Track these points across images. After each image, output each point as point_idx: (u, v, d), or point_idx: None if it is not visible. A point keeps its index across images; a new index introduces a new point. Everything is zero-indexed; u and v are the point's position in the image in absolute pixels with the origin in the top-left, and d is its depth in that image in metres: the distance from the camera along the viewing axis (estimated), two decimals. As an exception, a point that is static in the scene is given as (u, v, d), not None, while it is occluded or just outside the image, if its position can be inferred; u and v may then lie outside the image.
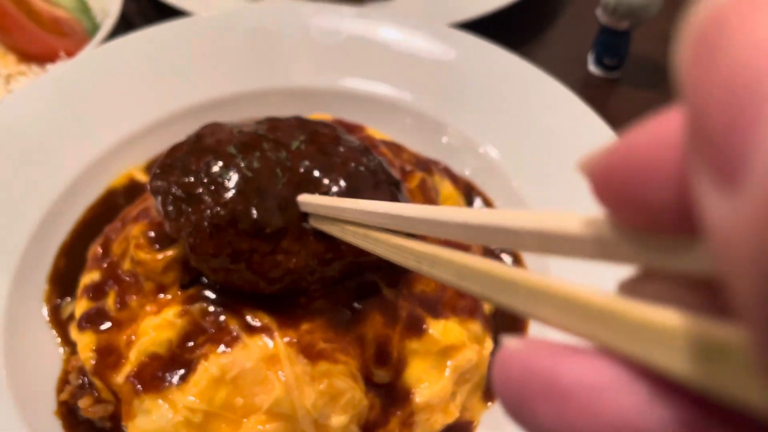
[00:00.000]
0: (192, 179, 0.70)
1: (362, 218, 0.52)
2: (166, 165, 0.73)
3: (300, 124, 0.77)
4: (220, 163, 0.70)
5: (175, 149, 0.75)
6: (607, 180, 0.20)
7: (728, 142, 0.14)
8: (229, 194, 0.68)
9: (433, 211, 0.39)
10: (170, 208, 0.69)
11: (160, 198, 0.71)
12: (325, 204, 0.64)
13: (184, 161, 0.72)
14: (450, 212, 0.36)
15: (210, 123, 0.78)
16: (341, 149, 0.74)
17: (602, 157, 0.20)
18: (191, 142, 0.74)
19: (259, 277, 0.69)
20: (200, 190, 0.69)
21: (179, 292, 0.75)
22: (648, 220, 0.19)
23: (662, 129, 0.19)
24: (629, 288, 0.22)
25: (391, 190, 0.74)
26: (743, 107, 0.14)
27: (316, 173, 0.71)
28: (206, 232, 0.67)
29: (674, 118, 0.19)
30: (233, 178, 0.69)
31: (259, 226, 0.67)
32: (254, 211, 0.67)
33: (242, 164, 0.70)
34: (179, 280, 0.76)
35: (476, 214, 0.32)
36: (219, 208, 0.67)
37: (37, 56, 1.21)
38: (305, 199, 0.68)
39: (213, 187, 0.69)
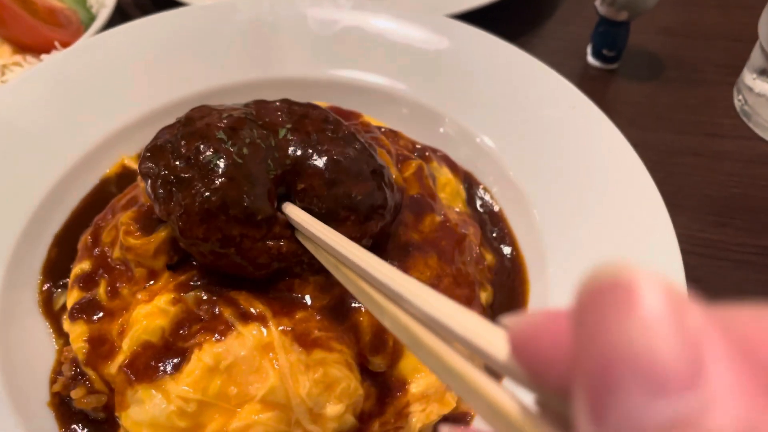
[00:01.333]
0: (182, 163, 0.70)
1: (332, 251, 0.54)
2: (156, 147, 0.72)
3: (288, 108, 0.77)
4: (211, 148, 0.70)
5: (163, 132, 0.74)
6: (518, 349, 0.26)
7: (596, 396, 0.21)
8: (220, 180, 0.68)
9: (389, 277, 0.42)
10: (160, 191, 0.69)
11: (149, 181, 0.71)
12: (304, 223, 0.65)
13: (174, 144, 0.71)
14: (404, 284, 0.39)
15: (199, 106, 0.77)
16: (328, 134, 0.74)
17: (516, 330, 0.27)
18: (181, 125, 0.74)
19: (247, 262, 0.69)
20: (190, 174, 0.69)
21: (171, 279, 0.74)
22: (543, 380, 0.26)
23: (556, 330, 0.25)
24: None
25: (375, 179, 0.73)
26: (606, 380, 0.21)
27: (300, 163, 0.71)
28: (197, 217, 0.67)
29: (564, 323, 0.25)
30: (223, 164, 0.69)
31: (250, 213, 0.67)
32: (246, 198, 0.67)
33: (232, 150, 0.70)
34: (167, 260, 0.75)
35: (423, 299, 0.36)
36: (210, 194, 0.67)
37: (32, 47, 1.21)
38: (290, 210, 0.69)
39: (203, 172, 0.68)
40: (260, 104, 0.77)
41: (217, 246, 0.68)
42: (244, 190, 0.67)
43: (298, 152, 0.72)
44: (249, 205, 0.67)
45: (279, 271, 0.72)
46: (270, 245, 0.69)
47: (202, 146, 0.70)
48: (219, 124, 0.72)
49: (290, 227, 0.70)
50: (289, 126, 0.73)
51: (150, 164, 0.71)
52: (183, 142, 0.71)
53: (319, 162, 0.71)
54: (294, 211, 0.69)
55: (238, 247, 0.68)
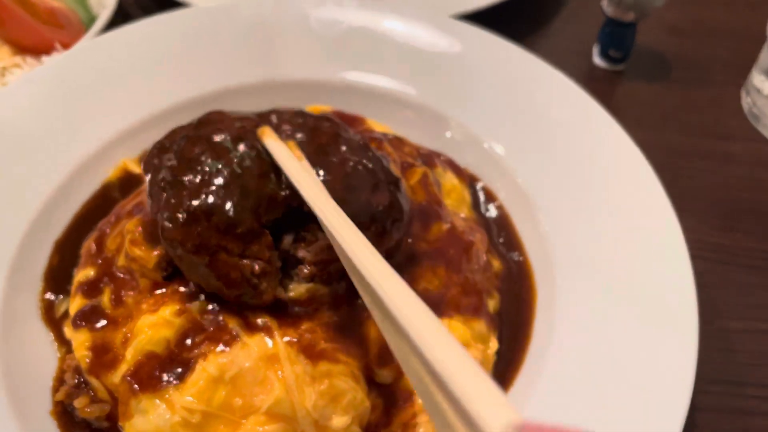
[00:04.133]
0: (182, 165, 0.70)
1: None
2: (163, 146, 0.73)
3: (301, 120, 0.77)
4: (213, 155, 0.70)
5: (174, 132, 0.75)
6: None
7: None
8: (212, 187, 0.67)
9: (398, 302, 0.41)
10: (156, 187, 0.70)
11: (149, 176, 0.72)
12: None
13: (180, 146, 0.72)
14: (413, 318, 0.38)
15: (214, 110, 0.77)
16: (342, 147, 0.73)
17: None
18: (192, 128, 0.74)
19: (217, 275, 0.67)
20: (187, 177, 0.69)
21: (176, 288, 0.74)
22: None
23: None
24: None
25: (390, 190, 0.73)
26: None
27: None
28: (179, 219, 0.67)
29: None
30: (221, 172, 0.68)
31: (231, 223, 0.66)
32: (231, 208, 0.66)
33: (235, 160, 0.69)
34: (161, 270, 0.74)
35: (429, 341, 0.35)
36: (196, 199, 0.67)
37: (32, 48, 1.19)
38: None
39: (199, 177, 0.68)
40: (275, 114, 0.78)
41: (191, 251, 0.66)
42: (233, 201, 0.67)
43: (311, 163, 0.71)
44: (232, 216, 0.66)
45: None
46: (244, 263, 0.67)
47: (205, 151, 0.70)
48: (229, 131, 0.71)
49: (271, 248, 0.68)
50: (299, 137, 0.73)
51: (152, 161, 0.72)
52: (188, 144, 0.71)
53: (336, 171, 0.70)
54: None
55: (212, 257, 0.67)
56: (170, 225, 0.67)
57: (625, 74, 1.27)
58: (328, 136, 0.74)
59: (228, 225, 0.66)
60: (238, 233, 0.66)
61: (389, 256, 0.73)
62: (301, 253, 0.70)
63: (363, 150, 0.74)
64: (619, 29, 1.21)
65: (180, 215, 0.67)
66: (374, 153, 0.75)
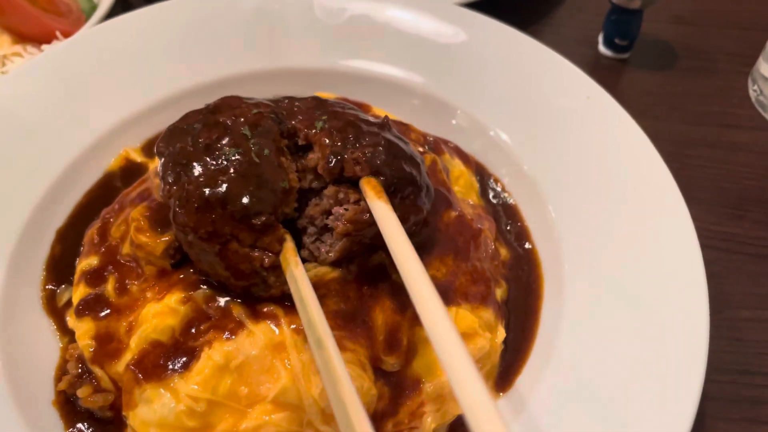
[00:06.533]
0: (198, 149, 0.68)
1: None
2: (177, 129, 0.72)
3: (318, 105, 0.75)
4: (231, 141, 0.68)
5: (188, 116, 0.73)
6: None
7: None
8: (229, 174, 0.66)
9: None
10: (169, 171, 0.68)
11: (162, 160, 0.70)
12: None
13: (196, 129, 0.70)
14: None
15: (230, 96, 0.76)
16: (369, 126, 0.72)
17: None
18: (207, 112, 0.73)
19: (226, 266, 0.66)
20: (203, 161, 0.67)
21: (181, 276, 0.73)
22: None
23: None
24: None
25: (418, 162, 0.72)
26: None
27: (349, 144, 0.69)
28: (194, 204, 0.65)
29: None
30: (239, 160, 0.67)
31: (247, 214, 0.65)
32: (248, 199, 0.65)
33: (253, 148, 0.68)
34: (169, 257, 0.73)
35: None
36: (213, 185, 0.65)
37: (32, 37, 1.18)
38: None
39: (216, 163, 0.67)
40: (291, 101, 0.76)
41: (204, 238, 0.65)
42: (249, 190, 0.65)
43: (344, 135, 0.69)
44: (249, 206, 0.65)
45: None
46: (254, 255, 0.66)
47: (222, 137, 0.69)
48: (246, 118, 0.70)
49: (281, 242, 0.67)
50: (324, 118, 0.71)
51: (167, 143, 0.70)
52: (204, 129, 0.70)
53: (371, 140, 0.69)
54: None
55: (223, 246, 0.65)
56: (183, 210, 0.65)
57: (631, 63, 1.26)
58: (352, 116, 0.73)
59: (243, 215, 0.65)
60: (252, 224, 0.65)
61: (416, 232, 0.72)
62: (339, 211, 0.68)
63: (388, 128, 0.73)
64: (624, 17, 1.20)
65: (194, 201, 0.65)
66: (396, 132, 0.74)
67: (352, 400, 0.50)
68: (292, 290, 0.63)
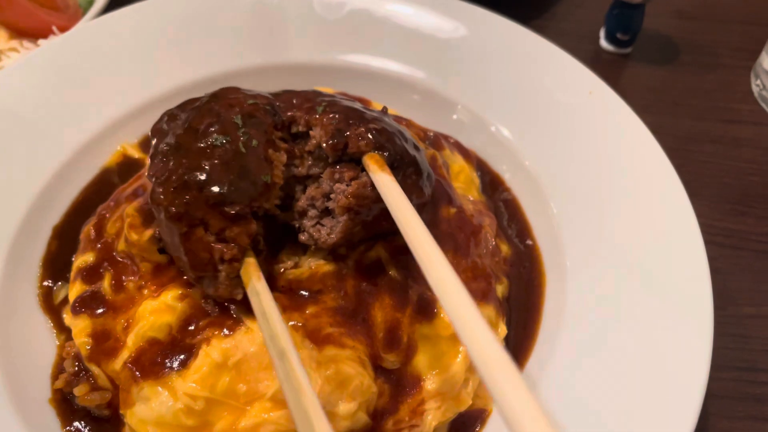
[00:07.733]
0: (188, 134, 0.68)
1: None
2: (174, 114, 0.72)
3: (318, 95, 0.76)
4: (221, 129, 0.68)
5: (187, 103, 0.74)
6: None
7: None
8: (213, 160, 0.66)
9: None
10: (158, 152, 0.69)
11: (155, 140, 0.71)
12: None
13: (191, 116, 0.70)
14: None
15: (230, 86, 0.76)
16: (370, 112, 0.73)
17: None
18: (205, 100, 0.73)
19: (185, 250, 0.65)
20: (190, 145, 0.67)
21: (177, 272, 0.72)
22: None
23: None
24: None
25: (418, 147, 0.73)
26: None
27: (352, 122, 0.69)
28: (172, 184, 0.65)
29: None
30: (225, 147, 0.67)
31: (222, 201, 0.64)
32: (224, 184, 0.65)
33: (241, 138, 0.68)
34: (155, 243, 0.73)
35: None
36: (194, 168, 0.65)
37: (29, 32, 1.18)
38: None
39: (202, 148, 0.67)
40: (289, 94, 0.76)
41: (174, 218, 0.64)
42: (230, 179, 0.65)
43: (341, 123, 0.70)
44: (225, 194, 0.64)
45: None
46: (216, 246, 0.65)
47: (213, 124, 0.69)
48: (239, 108, 0.70)
49: (250, 236, 0.66)
50: (324, 104, 0.72)
51: (162, 125, 0.71)
52: (197, 115, 0.70)
53: (373, 120, 0.70)
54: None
55: (189, 229, 0.65)
56: (161, 189, 0.65)
57: (633, 58, 1.25)
58: (352, 105, 0.73)
59: (217, 201, 0.64)
60: (224, 211, 0.64)
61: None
62: (341, 187, 0.68)
63: (388, 116, 0.74)
64: (626, 11, 1.19)
65: (174, 181, 0.65)
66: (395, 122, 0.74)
67: (315, 411, 0.49)
68: (254, 305, 0.62)
